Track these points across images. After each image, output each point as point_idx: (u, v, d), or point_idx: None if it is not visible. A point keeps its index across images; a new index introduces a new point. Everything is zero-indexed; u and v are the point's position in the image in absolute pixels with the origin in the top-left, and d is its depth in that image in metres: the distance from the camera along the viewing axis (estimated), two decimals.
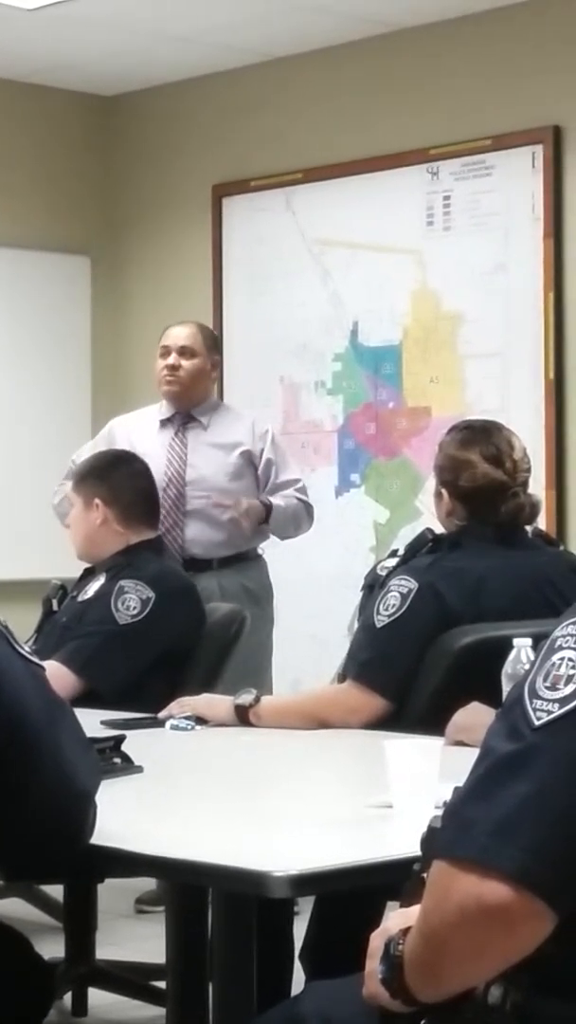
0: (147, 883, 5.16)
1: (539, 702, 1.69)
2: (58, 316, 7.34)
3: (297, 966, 3.40)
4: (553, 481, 6.12)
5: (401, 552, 3.72)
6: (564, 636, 1.72)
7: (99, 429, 5.86)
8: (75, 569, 4.41)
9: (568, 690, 1.68)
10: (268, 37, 6.66)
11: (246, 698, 3.54)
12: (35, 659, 2.30)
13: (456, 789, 1.74)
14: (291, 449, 6.04)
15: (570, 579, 3.67)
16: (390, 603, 3.51)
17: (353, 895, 2.86)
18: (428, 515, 5.57)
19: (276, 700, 3.76)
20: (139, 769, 2.88)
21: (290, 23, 6.49)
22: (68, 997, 4.16)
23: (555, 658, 1.71)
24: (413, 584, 3.52)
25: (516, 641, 3.08)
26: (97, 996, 4.17)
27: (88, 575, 4.32)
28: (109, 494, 4.29)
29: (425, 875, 1.75)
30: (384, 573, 3.67)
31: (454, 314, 6.47)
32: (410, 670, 3.47)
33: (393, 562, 3.69)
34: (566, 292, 6.17)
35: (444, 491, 3.72)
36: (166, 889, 3.83)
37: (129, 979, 4.19)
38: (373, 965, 1.80)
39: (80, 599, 4.23)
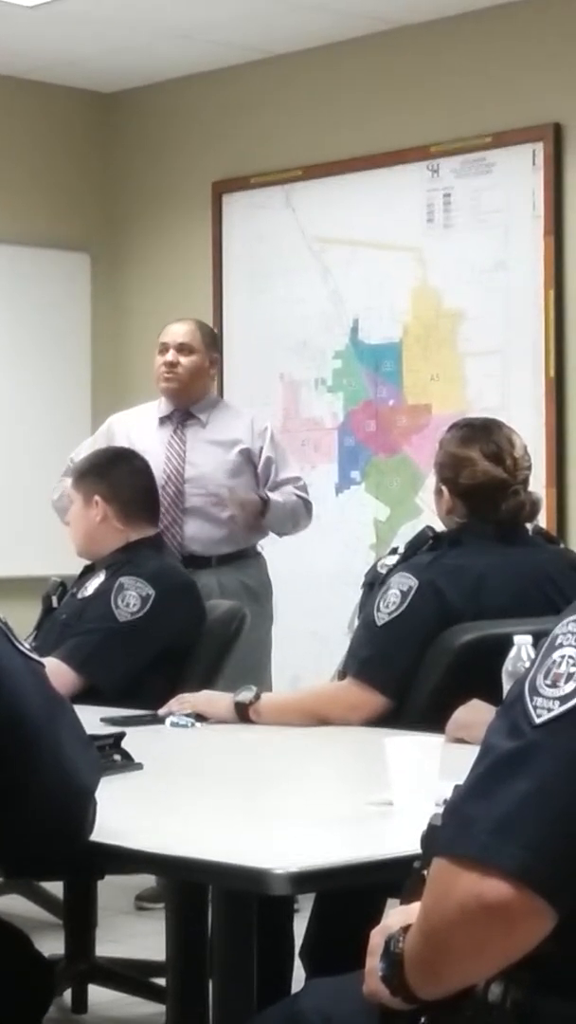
0: (147, 880, 5.15)
1: (540, 700, 1.69)
2: (58, 313, 7.33)
3: (297, 963, 3.41)
4: (553, 479, 6.12)
5: (401, 550, 3.72)
6: (565, 633, 1.72)
7: (99, 426, 5.85)
8: (75, 566, 4.40)
9: (569, 688, 1.68)
10: (268, 34, 6.66)
11: (246, 695, 3.54)
12: (35, 656, 2.30)
13: (456, 787, 1.74)
14: (291, 446, 6.04)
15: (570, 577, 3.67)
16: (390, 601, 3.51)
17: (353, 893, 2.87)
18: (428, 513, 5.57)
19: (276, 697, 3.76)
20: (139, 766, 2.88)
21: (290, 20, 6.48)
22: (68, 994, 4.16)
23: (556, 655, 1.71)
24: (413, 582, 3.52)
25: (516, 639, 3.08)
26: (97, 993, 4.17)
27: (88, 572, 4.31)
28: (109, 491, 4.28)
29: (425, 873, 1.75)
30: (384, 571, 3.67)
31: (454, 311, 6.47)
32: (410, 667, 3.47)
33: (393, 560, 3.69)
34: (566, 289, 6.17)
35: (444, 488, 3.72)
36: (166, 886, 3.84)
37: (129, 976, 4.19)
38: (373, 963, 1.80)
39: (80, 596, 4.22)
